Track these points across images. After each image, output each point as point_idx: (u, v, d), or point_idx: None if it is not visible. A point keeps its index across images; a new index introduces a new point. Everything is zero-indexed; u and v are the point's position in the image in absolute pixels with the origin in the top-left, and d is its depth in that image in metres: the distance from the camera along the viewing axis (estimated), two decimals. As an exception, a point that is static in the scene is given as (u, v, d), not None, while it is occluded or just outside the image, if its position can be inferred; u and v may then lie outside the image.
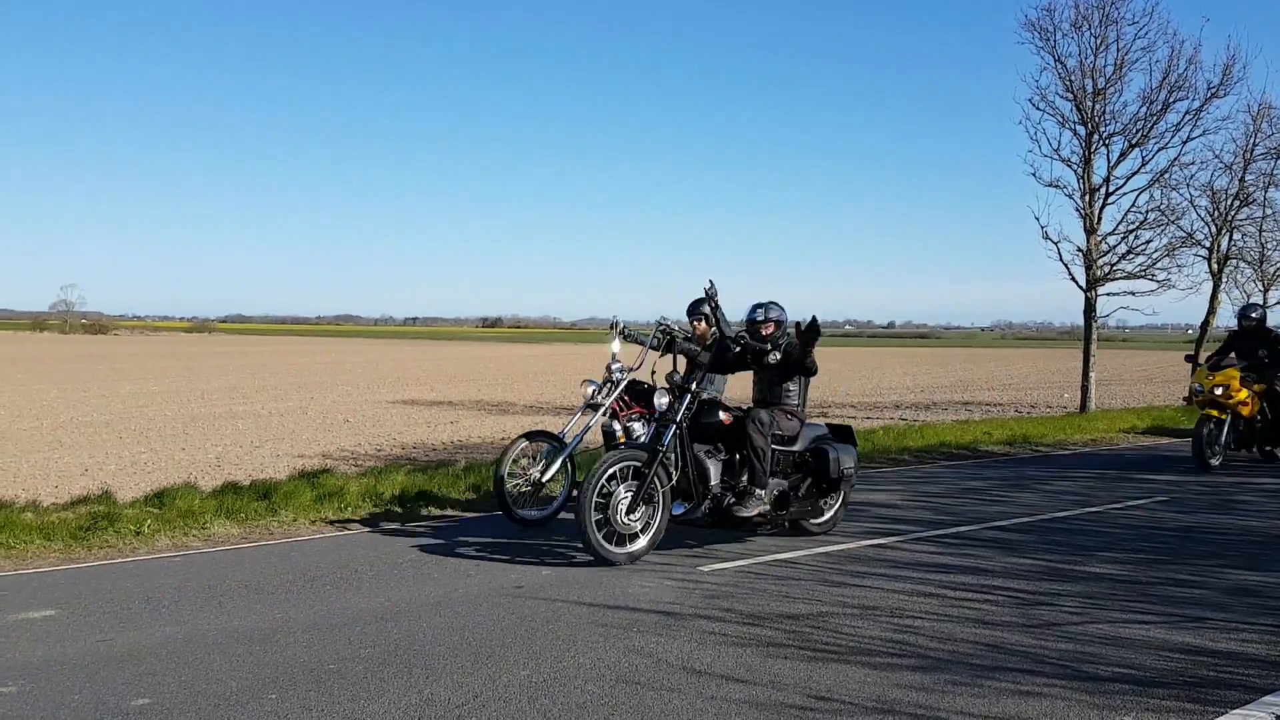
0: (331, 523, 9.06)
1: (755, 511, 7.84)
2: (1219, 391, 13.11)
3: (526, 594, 6.57)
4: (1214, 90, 20.11)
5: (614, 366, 9.11)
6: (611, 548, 7.37)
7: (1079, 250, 20.74)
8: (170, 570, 7.34)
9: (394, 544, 8.16)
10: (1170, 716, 4.51)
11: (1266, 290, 24.21)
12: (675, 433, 7.66)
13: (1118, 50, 20.12)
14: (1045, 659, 5.27)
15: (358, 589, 6.73)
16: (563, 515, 8.88)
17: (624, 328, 9.69)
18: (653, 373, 9.22)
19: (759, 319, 8.45)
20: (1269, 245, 24.01)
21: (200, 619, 6.01)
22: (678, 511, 7.77)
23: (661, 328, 9.42)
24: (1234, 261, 23.24)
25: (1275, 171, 22.16)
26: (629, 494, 7.43)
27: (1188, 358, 15.08)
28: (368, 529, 8.87)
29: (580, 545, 7.44)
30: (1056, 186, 20.75)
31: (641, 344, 9.57)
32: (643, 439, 8.46)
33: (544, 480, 8.84)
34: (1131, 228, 20.72)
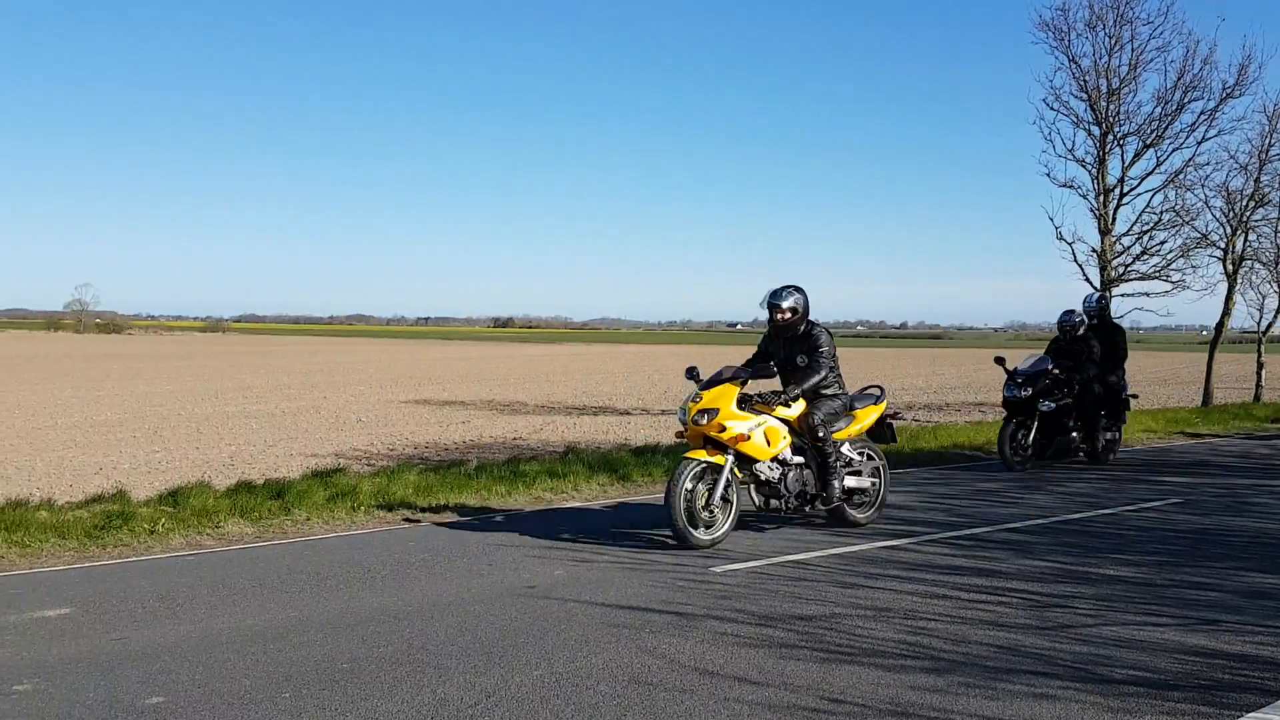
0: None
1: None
2: None
3: (539, 594, 6.58)
4: (1229, 90, 20.03)
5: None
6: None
7: (1093, 251, 20.67)
8: (184, 569, 7.37)
9: (406, 543, 8.18)
10: (1185, 720, 4.49)
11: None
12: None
13: (1132, 50, 20.05)
14: (1059, 661, 5.25)
15: (371, 588, 6.75)
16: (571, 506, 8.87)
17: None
18: None
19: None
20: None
21: (214, 617, 6.03)
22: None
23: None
24: (1249, 262, 23.09)
25: (1291, 172, 22.02)
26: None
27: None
28: (381, 528, 8.89)
29: (598, 546, 7.44)
30: (1071, 187, 20.69)
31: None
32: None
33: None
34: (1146, 228, 20.64)
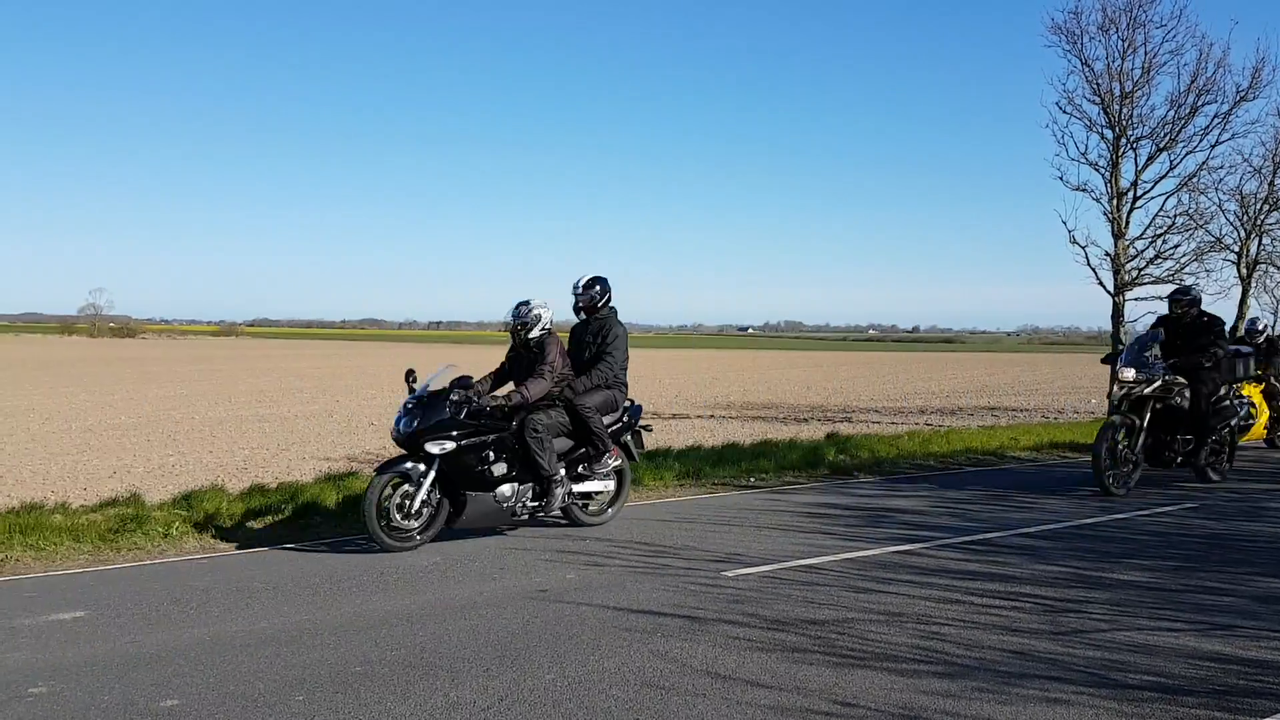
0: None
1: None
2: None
3: (551, 598, 6.58)
4: (1243, 94, 19.91)
5: None
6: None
7: (1106, 254, 20.57)
8: (198, 572, 7.39)
9: (419, 547, 8.18)
10: (1200, 725, 4.47)
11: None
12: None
13: (1145, 53, 19.93)
14: (1073, 666, 5.23)
15: (383, 591, 6.76)
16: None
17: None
18: None
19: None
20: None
21: (228, 621, 6.05)
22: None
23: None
24: (1263, 266, 22.99)
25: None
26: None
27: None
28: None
29: (609, 550, 7.43)
30: (1084, 190, 20.59)
31: None
32: None
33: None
34: (1159, 232, 20.53)
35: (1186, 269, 20.55)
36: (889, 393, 34.86)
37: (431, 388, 8.54)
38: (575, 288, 9.32)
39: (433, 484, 8.23)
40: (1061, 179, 20.90)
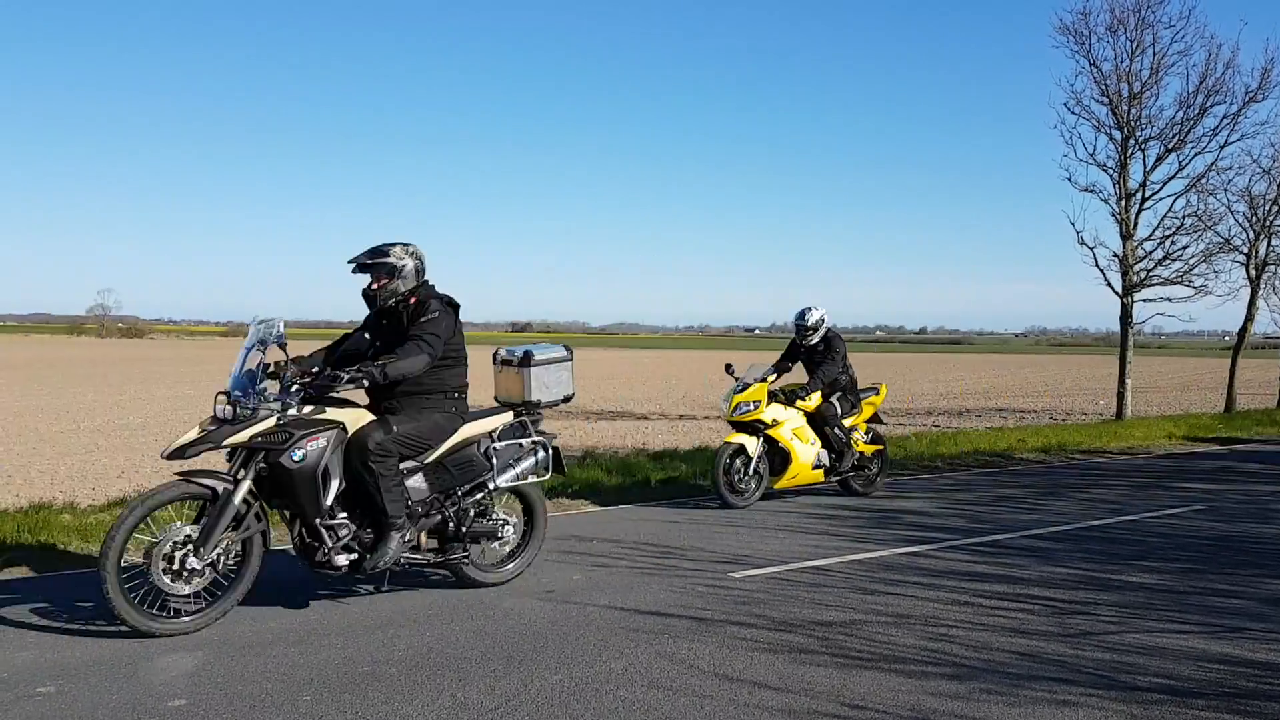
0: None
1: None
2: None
3: (558, 598, 6.58)
4: (1252, 94, 19.91)
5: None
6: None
7: (1115, 256, 20.55)
8: (205, 572, 7.37)
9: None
10: (1210, 728, 4.45)
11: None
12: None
13: (1154, 54, 19.94)
14: (1082, 668, 5.21)
15: (390, 591, 6.75)
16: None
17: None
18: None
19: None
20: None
21: (235, 621, 6.05)
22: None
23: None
24: (1272, 267, 22.96)
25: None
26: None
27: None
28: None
29: (616, 550, 7.43)
30: (1092, 191, 20.60)
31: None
32: None
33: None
34: (1168, 233, 20.52)
35: (1195, 270, 20.54)
36: (896, 394, 34.79)
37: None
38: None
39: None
40: (1070, 180, 20.95)
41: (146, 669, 5.16)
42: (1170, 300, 20.99)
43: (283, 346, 5.91)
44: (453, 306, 6.46)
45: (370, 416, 6.17)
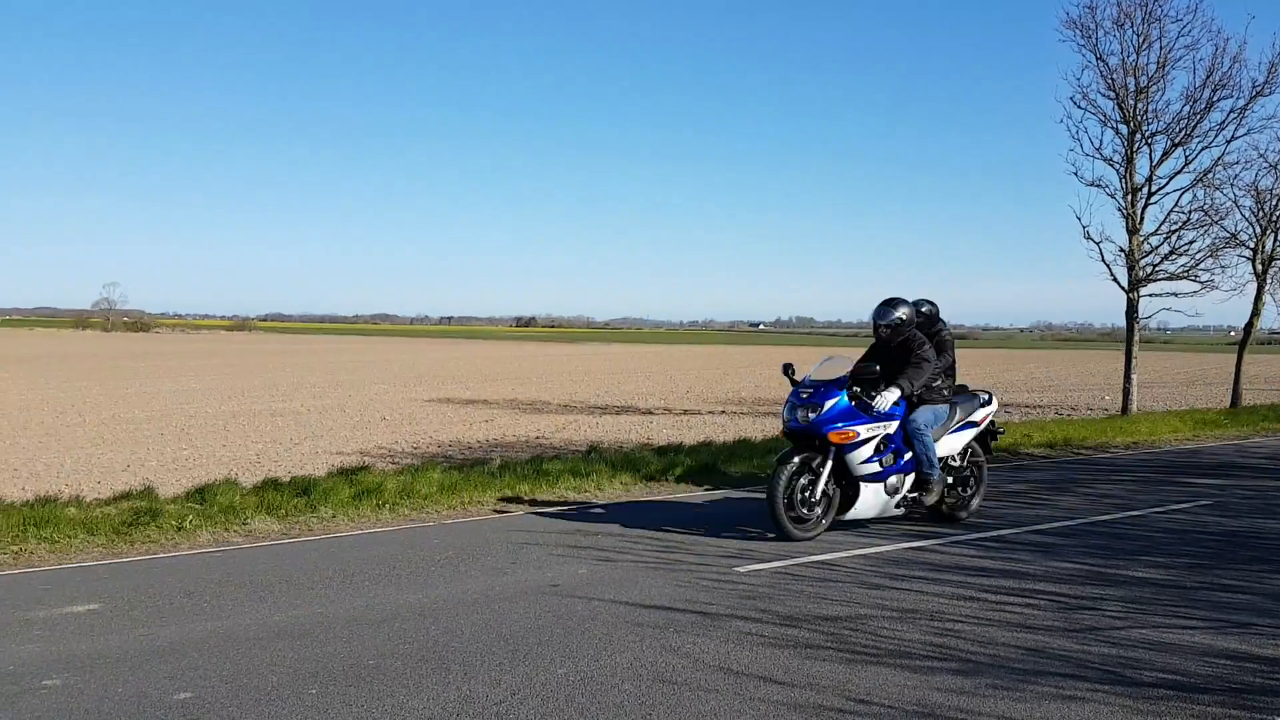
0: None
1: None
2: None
3: (563, 592, 6.58)
4: (1259, 89, 19.78)
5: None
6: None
7: (1121, 250, 20.47)
8: (211, 565, 7.41)
9: (431, 541, 8.20)
10: (1216, 724, 4.44)
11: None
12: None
13: (1161, 48, 19.82)
14: (1087, 664, 5.20)
15: (396, 585, 6.77)
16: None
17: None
18: None
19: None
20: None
21: (241, 614, 6.06)
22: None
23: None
24: (1279, 262, 22.83)
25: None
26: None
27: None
28: (405, 525, 8.92)
29: (621, 545, 7.44)
30: (1098, 186, 20.50)
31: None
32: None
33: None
34: (1174, 228, 20.42)
35: (1201, 265, 20.45)
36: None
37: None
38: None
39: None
40: (1076, 174, 20.88)
41: (152, 662, 5.17)
42: (1176, 295, 20.90)
43: None
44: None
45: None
